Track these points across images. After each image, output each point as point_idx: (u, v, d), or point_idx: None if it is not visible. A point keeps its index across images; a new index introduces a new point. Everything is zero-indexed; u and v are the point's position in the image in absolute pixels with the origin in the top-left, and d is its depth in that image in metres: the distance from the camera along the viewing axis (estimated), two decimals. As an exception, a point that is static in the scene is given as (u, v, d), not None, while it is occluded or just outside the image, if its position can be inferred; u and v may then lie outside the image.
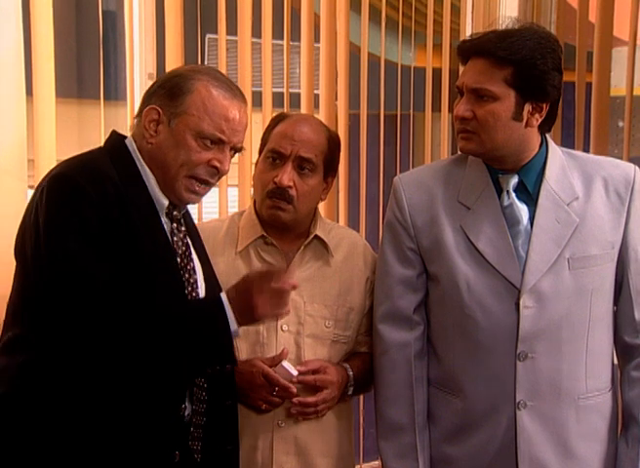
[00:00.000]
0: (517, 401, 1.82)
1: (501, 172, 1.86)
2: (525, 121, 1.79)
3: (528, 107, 1.78)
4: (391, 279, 1.92)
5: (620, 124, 3.56)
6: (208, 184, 1.68)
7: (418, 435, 1.91)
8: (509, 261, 1.82)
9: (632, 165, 1.91)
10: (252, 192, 2.17)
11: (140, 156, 1.64)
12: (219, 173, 1.66)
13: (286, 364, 1.85)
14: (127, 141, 1.66)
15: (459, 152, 1.94)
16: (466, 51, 1.82)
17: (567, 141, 3.42)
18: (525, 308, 1.81)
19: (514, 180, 1.85)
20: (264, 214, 1.94)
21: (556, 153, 1.89)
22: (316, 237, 1.99)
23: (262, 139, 2.00)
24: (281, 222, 1.94)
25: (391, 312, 1.92)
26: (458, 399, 1.89)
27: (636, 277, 1.88)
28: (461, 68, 1.87)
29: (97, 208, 1.50)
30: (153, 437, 1.57)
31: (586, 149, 3.25)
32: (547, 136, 1.90)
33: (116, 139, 1.67)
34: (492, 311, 1.83)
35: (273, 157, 1.93)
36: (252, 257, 1.96)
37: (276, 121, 2.00)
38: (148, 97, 1.66)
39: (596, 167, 1.89)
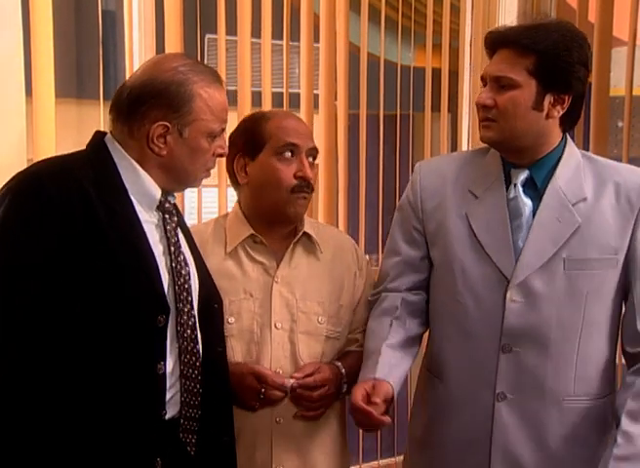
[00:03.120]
0: (497, 392, 1.83)
1: (515, 165, 1.87)
2: (546, 112, 1.80)
3: (549, 98, 1.79)
4: (397, 257, 1.97)
5: (620, 124, 3.56)
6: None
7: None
8: (505, 253, 1.83)
9: None
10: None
11: (125, 154, 1.63)
12: (222, 157, 1.74)
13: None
14: (106, 140, 1.65)
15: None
16: (493, 42, 1.84)
17: (566, 142, 3.42)
18: (512, 302, 1.82)
19: (524, 175, 1.86)
20: (290, 212, 1.93)
21: (573, 154, 1.88)
22: (305, 234, 2.00)
23: (255, 139, 1.95)
24: (301, 216, 1.97)
25: (389, 287, 1.99)
26: (441, 383, 1.92)
27: None
28: (486, 62, 1.88)
29: (57, 207, 1.50)
30: (127, 446, 1.55)
31: (586, 149, 3.24)
32: (569, 137, 1.90)
33: (96, 139, 1.67)
34: (483, 300, 1.84)
35: (292, 150, 1.93)
36: (241, 257, 1.96)
37: (262, 119, 1.97)
38: (138, 109, 1.61)
39: (612, 172, 1.87)
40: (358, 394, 1.78)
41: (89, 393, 1.51)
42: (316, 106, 3.09)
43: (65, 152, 1.70)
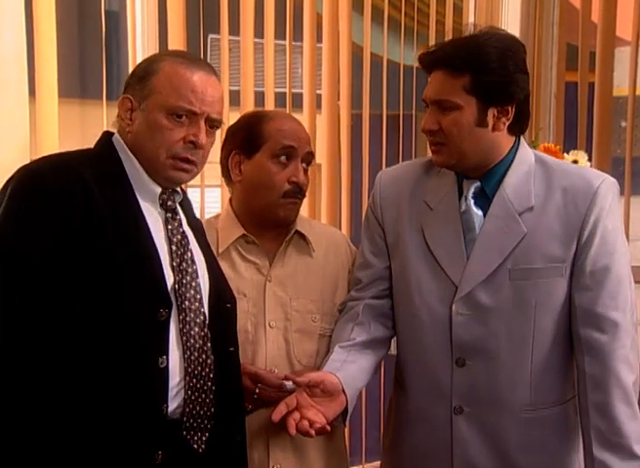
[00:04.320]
0: (453, 405, 1.82)
1: (467, 177, 1.84)
2: (491, 126, 1.76)
3: (492, 112, 1.75)
4: (366, 270, 1.95)
5: (623, 124, 3.56)
6: (190, 162, 1.65)
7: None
8: (458, 266, 1.81)
9: (604, 177, 1.80)
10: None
11: (127, 149, 1.64)
12: (196, 147, 1.64)
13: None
14: (114, 138, 1.66)
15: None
16: (426, 64, 1.81)
17: (569, 142, 3.42)
18: (458, 315, 1.80)
19: (475, 186, 1.82)
20: (280, 215, 1.93)
21: (525, 159, 1.83)
22: (297, 233, 1.99)
23: (253, 138, 1.94)
24: (291, 220, 1.96)
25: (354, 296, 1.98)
26: (403, 394, 1.91)
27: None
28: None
29: (59, 203, 1.51)
30: (127, 438, 1.54)
31: (589, 149, 3.25)
32: (522, 139, 1.86)
33: (103, 137, 1.68)
34: (436, 314, 1.82)
35: (288, 154, 1.92)
36: (234, 257, 1.96)
37: (263, 119, 1.97)
38: (124, 91, 1.67)
39: (560, 176, 1.81)
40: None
41: (90, 384, 1.51)
42: (319, 106, 3.10)
43: (68, 153, 1.70)
